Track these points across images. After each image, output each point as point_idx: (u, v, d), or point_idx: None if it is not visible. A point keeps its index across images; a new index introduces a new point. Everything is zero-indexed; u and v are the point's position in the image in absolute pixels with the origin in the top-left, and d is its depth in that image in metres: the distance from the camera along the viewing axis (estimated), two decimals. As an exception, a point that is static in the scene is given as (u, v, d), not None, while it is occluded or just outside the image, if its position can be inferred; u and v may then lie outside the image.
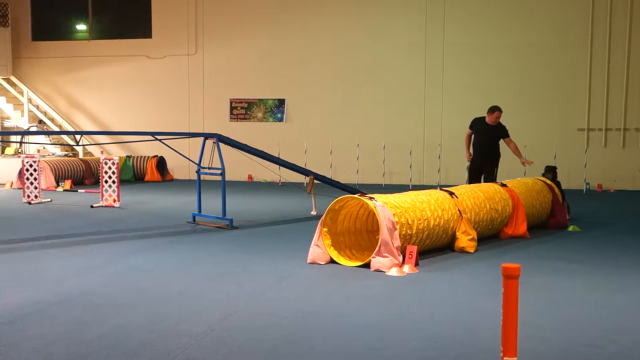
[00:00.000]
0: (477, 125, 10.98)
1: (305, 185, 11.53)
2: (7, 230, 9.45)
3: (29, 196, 12.60)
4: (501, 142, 10.97)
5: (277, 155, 13.93)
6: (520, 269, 3.37)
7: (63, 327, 4.80)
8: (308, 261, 7.12)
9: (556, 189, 10.05)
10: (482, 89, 16.69)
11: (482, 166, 10.83)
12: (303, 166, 12.91)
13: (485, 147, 10.83)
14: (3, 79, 18.97)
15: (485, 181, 10.53)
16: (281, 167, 12.26)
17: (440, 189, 8.27)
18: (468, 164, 11.10)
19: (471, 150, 10.99)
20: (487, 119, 10.88)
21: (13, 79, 19.16)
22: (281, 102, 18.00)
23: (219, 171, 9.73)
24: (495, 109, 10.82)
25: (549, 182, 10.16)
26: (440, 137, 16.78)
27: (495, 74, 16.64)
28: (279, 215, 11.08)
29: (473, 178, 10.89)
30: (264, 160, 11.30)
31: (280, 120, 18.05)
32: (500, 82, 16.61)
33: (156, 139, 10.23)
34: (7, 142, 17.91)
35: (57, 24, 19.70)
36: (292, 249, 7.89)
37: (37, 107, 19.26)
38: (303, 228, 9.47)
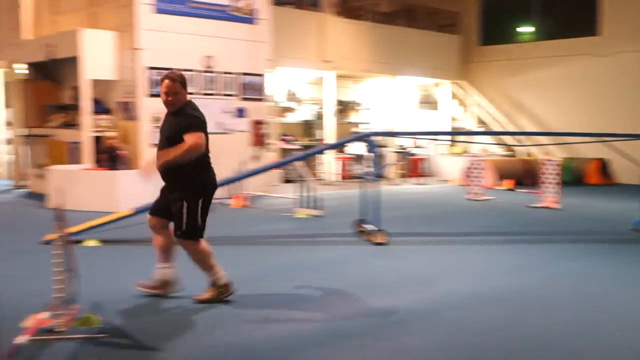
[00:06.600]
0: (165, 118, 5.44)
1: None
2: (449, 223, 10.18)
3: (470, 193, 13.33)
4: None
5: None
6: None
7: (490, 323, 4.92)
8: None
9: None
10: None
11: (167, 192, 5.39)
12: None
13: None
14: (453, 82, 20.41)
15: (174, 220, 5.26)
16: None
17: None
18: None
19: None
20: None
21: (462, 82, 20.48)
22: None
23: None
24: (166, 77, 5.20)
25: None
26: None
27: None
28: None
29: (157, 205, 5.48)
30: None
31: None
32: None
33: (599, 141, 9.74)
34: (455, 142, 19.21)
35: (503, 28, 20.37)
36: None
37: (483, 109, 20.23)
38: None
